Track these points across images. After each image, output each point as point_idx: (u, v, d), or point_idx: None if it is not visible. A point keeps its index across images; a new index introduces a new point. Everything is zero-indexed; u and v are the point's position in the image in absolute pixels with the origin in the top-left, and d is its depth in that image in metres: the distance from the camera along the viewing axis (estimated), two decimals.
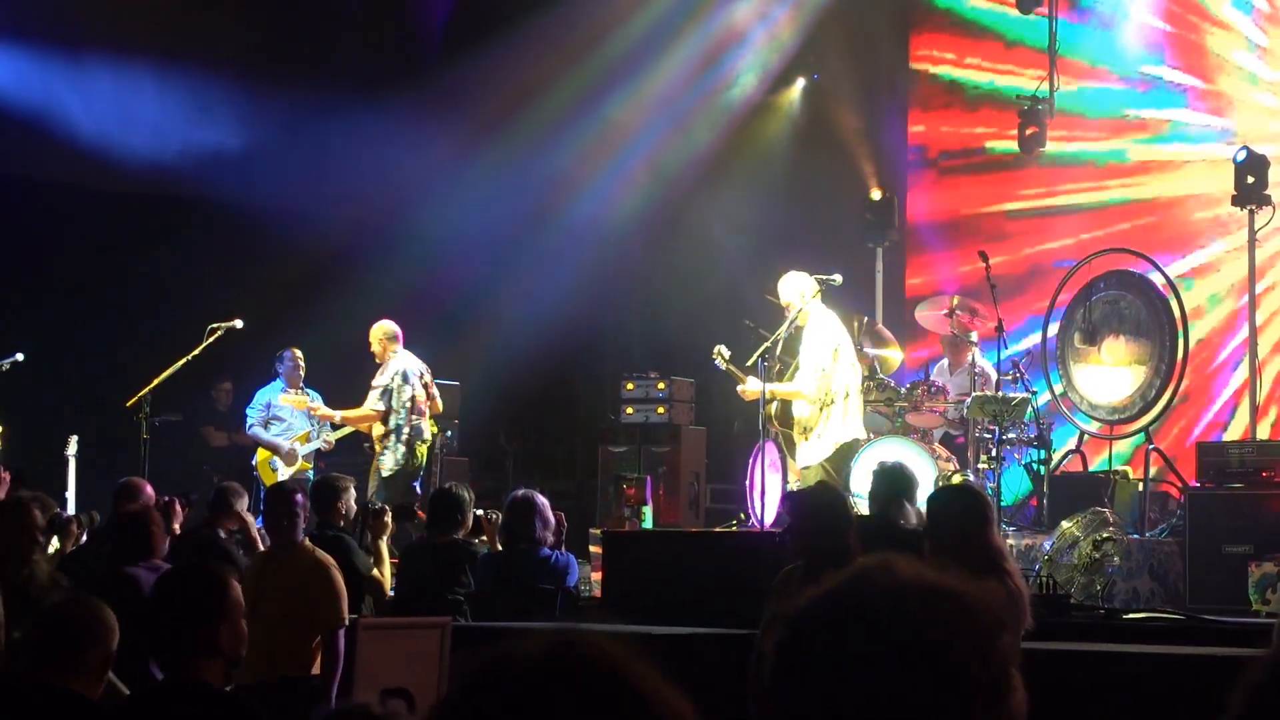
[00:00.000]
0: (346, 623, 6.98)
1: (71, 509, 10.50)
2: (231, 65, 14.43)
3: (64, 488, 11.14)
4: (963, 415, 11.59)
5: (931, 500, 6.42)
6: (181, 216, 14.60)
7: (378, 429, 12.17)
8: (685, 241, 15.35)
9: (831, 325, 11.03)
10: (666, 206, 15.88)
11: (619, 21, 14.99)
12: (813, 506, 6.66)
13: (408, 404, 12.09)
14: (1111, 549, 9.55)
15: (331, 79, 14.98)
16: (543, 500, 8.70)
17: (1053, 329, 11.36)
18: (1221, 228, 13.10)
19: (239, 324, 12.05)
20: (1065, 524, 9.80)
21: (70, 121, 13.88)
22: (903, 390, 11.89)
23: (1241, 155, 11.31)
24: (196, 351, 11.87)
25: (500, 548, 8.82)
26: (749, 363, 10.92)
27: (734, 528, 12.11)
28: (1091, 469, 11.65)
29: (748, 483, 11.35)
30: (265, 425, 12.84)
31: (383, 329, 12.30)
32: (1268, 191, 11.22)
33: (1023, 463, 11.43)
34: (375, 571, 8.70)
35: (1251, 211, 11.24)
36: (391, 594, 8.94)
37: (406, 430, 12.09)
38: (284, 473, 12.54)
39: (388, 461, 12.07)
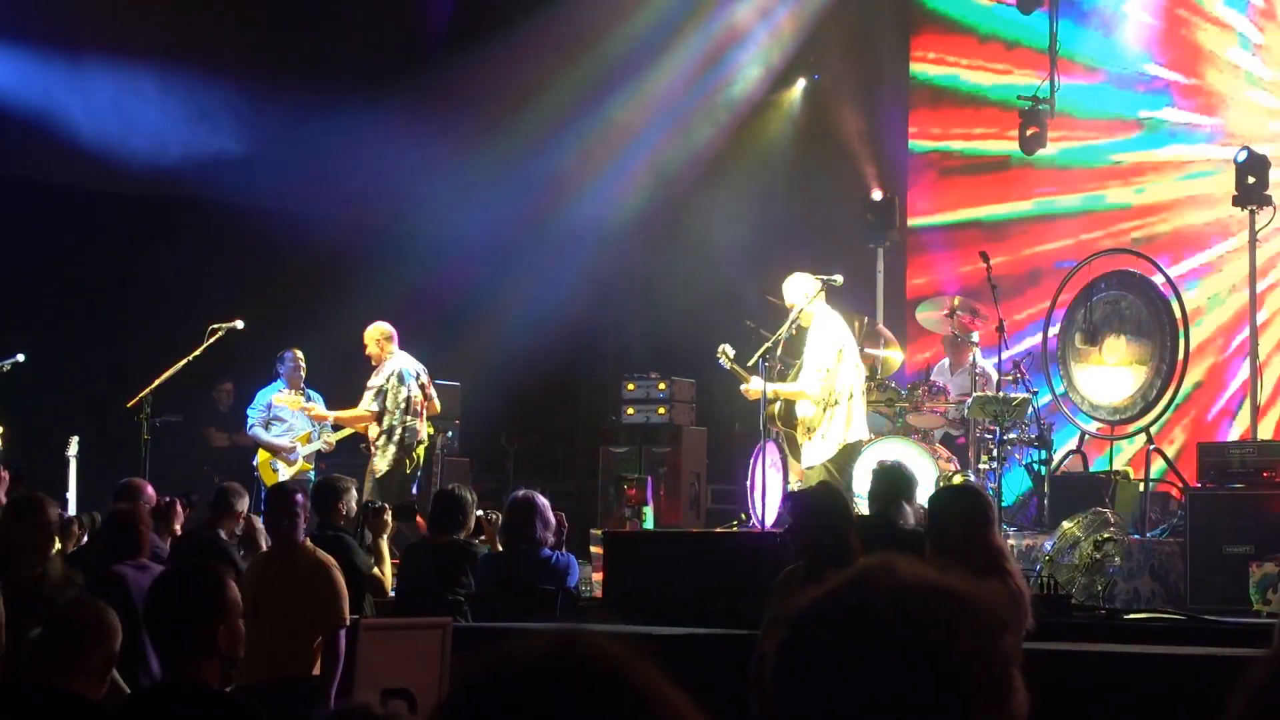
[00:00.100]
0: (347, 623, 6.98)
1: (72, 510, 10.50)
2: (232, 66, 14.43)
3: (65, 488, 11.14)
4: (963, 416, 11.59)
5: (933, 500, 6.42)
6: (182, 217, 14.60)
7: (372, 430, 12.17)
8: (686, 242, 15.35)
9: (836, 326, 11.03)
10: (667, 207, 15.88)
11: (620, 22, 15.00)
12: (814, 506, 6.66)
13: (403, 405, 12.08)
14: (1112, 549, 9.55)
15: (332, 79, 14.98)
16: (543, 501, 8.70)
17: (1053, 329, 11.36)
18: (1222, 227, 13.09)
19: (239, 324, 12.05)
20: (1066, 524, 9.80)
21: (71, 122, 13.88)
22: (903, 391, 11.90)
23: (1242, 155, 11.31)
24: (197, 352, 11.88)
25: (501, 548, 8.83)
26: (750, 363, 10.92)
27: (735, 528, 12.11)
28: (1092, 469, 11.65)
29: (749, 483, 11.35)
30: (266, 426, 12.84)
31: (378, 330, 12.30)
32: (1268, 192, 11.22)
33: (1023, 463, 11.43)
34: (376, 570, 8.70)
35: (1252, 212, 11.24)
36: (392, 594, 8.94)
37: (400, 431, 12.08)
38: (285, 473, 12.54)
39: (380, 463, 12.07)
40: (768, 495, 10.90)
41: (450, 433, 13.28)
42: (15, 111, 13.66)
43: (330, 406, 12.82)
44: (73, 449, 11.49)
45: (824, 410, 10.87)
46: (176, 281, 14.27)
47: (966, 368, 12.13)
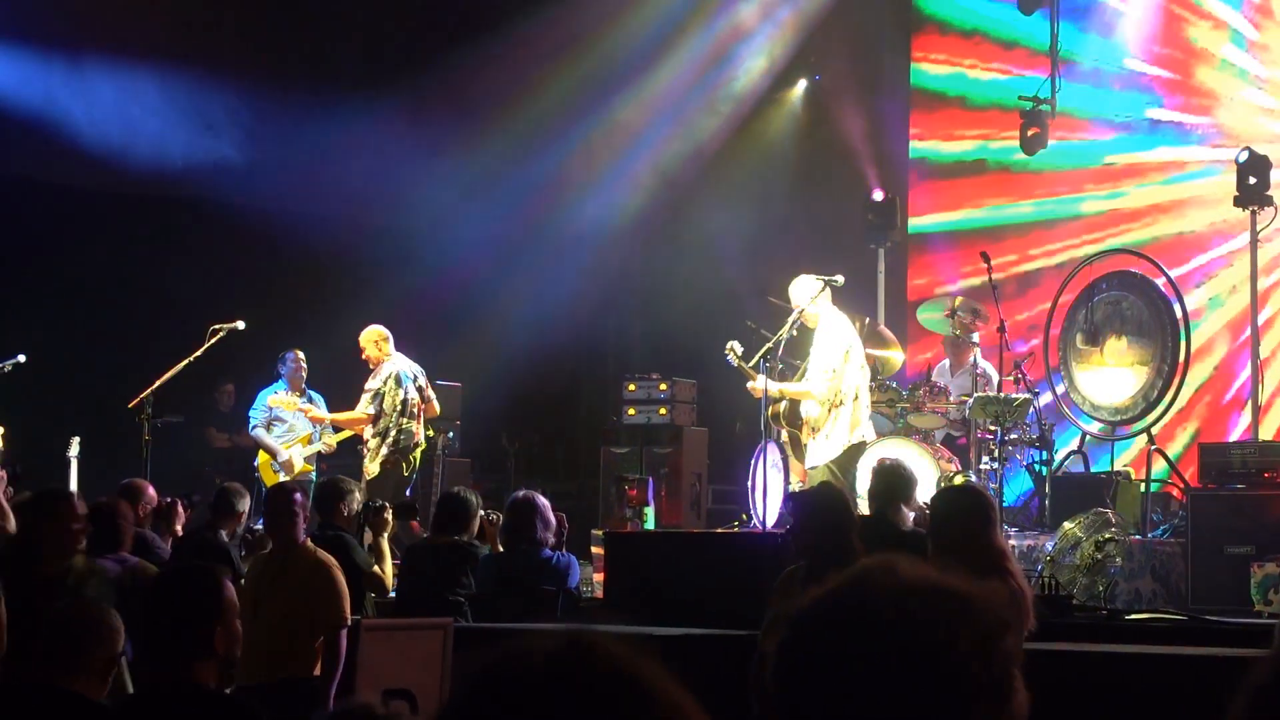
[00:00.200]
0: (348, 623, 6.97)
1: None
2: (233, 68, 14.44)
3: (66, 489, 11.13)
4: (964, 416, 11.59)
5: (935, 500, 6.43)
6: (183, 217, 14.61)
7: (366, 432, 12.17)
8: (687, 242, 15.35)
9: (842, 327, 11.03)
10: (668, 207, 15.88)
11: (621, 23, 15.00)
12: (815, 507, 6.66)
13: (399, 407, 12.09)
14: (1114, 550, 9.55)
15: (333, 81, 14.99)
16: (543, 501, 8.70)
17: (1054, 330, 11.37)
18: (1224, 228, 13.09)
19: (240, 325, 12.06)
20: (1067, 525, 9.80)
21: (72, 123, 13.90)
22: (904, 391, 11.89)
23: (1243, 156, 11.30)
24: (198, 353, 11.88)
25: (501, 549, 8.83)
26: (751, 364, 10.92)
27: (736, 529, 12.11)
28: (1093, 469, 11.64)
29: (749, 483, 11.35)
30: (268, 426, 12.84)
31: (374, 332, 12.30)
32: (1269, 192, 11.21)
33: (1025, 464, 11.43)
34: (376, 569, 8.71)
35: (1253, 212, 11.23)
36: (393, 594, 8.94)
37: (395, 434, 12.08)
38: (286, 474, 12.54)
39: (372, 465, 12.07)
40: (769, 496, 10.90)
41: (451, 433, 13.28)
42: (16, 112, 13.67)
43: (331, 408, 12.83)
44: (74, 449, 11.49)
45: (829, 411, 10.87)
46: (178, 282, 14.27)
47: (967, 368, 12.13)
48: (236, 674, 6.15)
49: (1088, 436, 11.60)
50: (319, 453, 12.86)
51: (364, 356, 12.30)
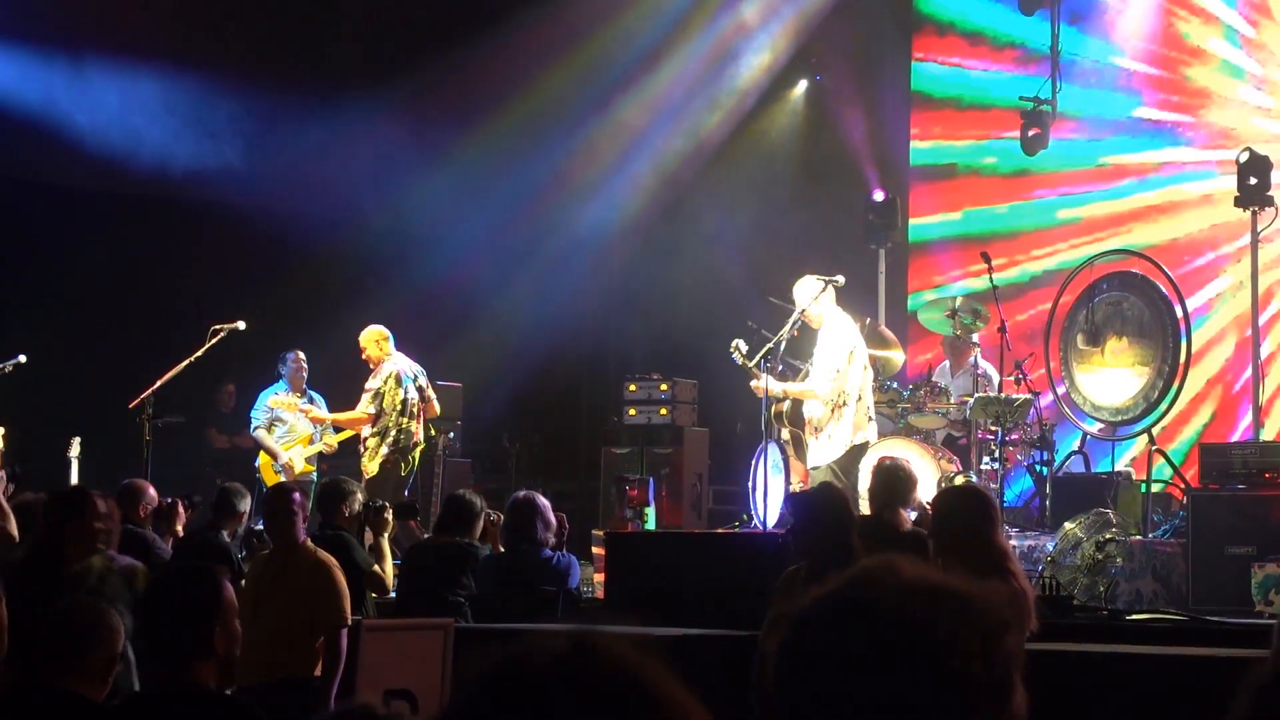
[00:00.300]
0: (349, 623, 6.97)
1: None
2: (235, 69, 14.44)
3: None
4: (965, 417, 11.59)
5: (937, 500, 6.43)
6: (184, 218, 14.61)
7: (366, 430, 12.18)
8: (688, 243, 15.35)
9: (847, 327, 11.02)
10: (669, 208, 15.89)
11: (623, 23, 15.00)
12: (815, 507, 6.66)
13: (399, 407, 12.09)
14: (1114, 550, 9.55)
15: (334, 81, 14.99)
16: (544, 501, 8.71)
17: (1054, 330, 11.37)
18: (1225, 228, 13.09)
19: (241, 325, 12.06)
20: (1068, 525, 9.80)
21: (73, 123, 13.90)
22: (905, 392, 11.89)
23: (1244, 156, 11.30)
24: (199, 353, 11.88)
25: (502, 549, 8.83)
26: (752, 364, 10.91)
27: (737, 529, 12.11)
28: (1094, 470, 11.64)
29: (750, 484, 11.34)
30: (269, 427, 12.84)
31: (375, 332, 12.31)
32: (1270, 193, 11.21)
33: (1025, 464, 11.43)
34: (376, 568, 8.71)
35: (1254, 212, 11.23)
36: (393, 595, 8.95)
37: (395, 434, 12.08)
38: (286, 475, 12.53)
39: (370, 464, 12.08)
40: (769, 496, 10.90)
41: (452, 434, 13.28)
42: (17, 112, 13.67)
43: (332, 408, 12.83)
44: (74, 450, 11.49)
45: (831, 411, 10.86)
46: (178, 283, 14.28)
47: (968, 369, 12.13)
48: (236, 674, 6.16)
49: (1088, 437, 11.60)
50: (320, 453, 12.86)
51: (364, 356, 12.30)
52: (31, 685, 4.46)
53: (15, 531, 7.50)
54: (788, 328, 10.97)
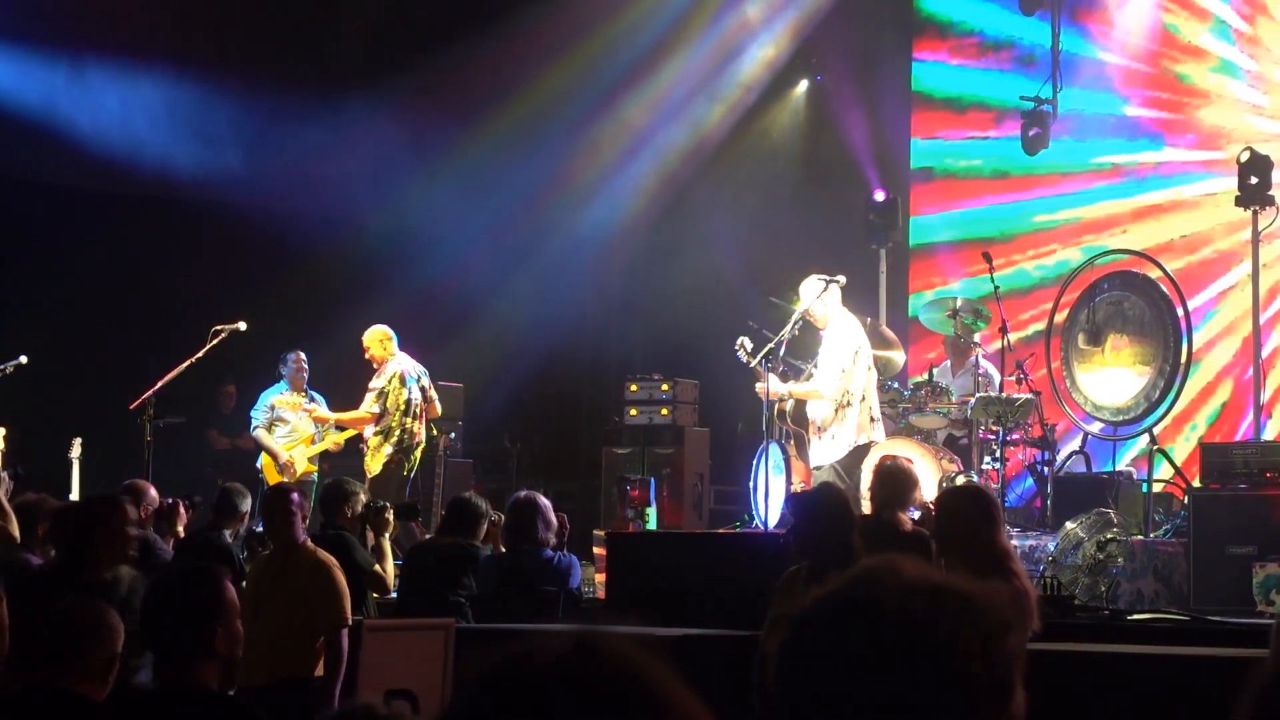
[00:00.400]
0: (349, 623, 6.97)
1: None
2: (235, 70, 14.44)
3: (68, 490, 11.14)
4: (966, 416, 11.59)
5: (940, 500, 6.43)
6: (185, 218, 14.61)
7: (368, 430, 12.18)
8: (689, 243, 15.35)
9: (852, 327, 11.02)
10: (670, 208, 15.89)
11: (624, 23, 15.00)
12: (816, 507, 6.66)
13: (403, 407, 12.10)
14: (1116, 550, 9.55)
15: (335, 82, 15.00)
16: (545, 501, 8.71)
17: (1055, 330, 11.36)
18: (1226, 229, 13.09)
19: (242, 326, 12.06)
20: (1069, 525, 9.79)
21: (74, 124, 13.90)
22: (906, 392, 11.89)
23: (1245, 156, 11.30)
24: (200, 354, 11.88)
25: (503, 549, 8.84)
26: (753, 364, 10.91)
27: (738, 529, 12.11)
28: (1095, 470, 11.64)
29: (751, 484, 11.34)
30: (270, 427, 12.84)
31: (379, 332, 12.31)
32: (1271, 192, 11.21)
33: (1027, 464, 11.42)
34: (377, 567, 8.71)
35: (1255, 212, 11.23)
36: (394, 595, 8.95)
37: (398, 433, 12.09)
38: (287, 476, 12.53)
39: (374, 464, 12.08)
40: (770, 496, 10.90)
41: (454, 434, 13.28)
42: (18, 112, 13.67)
43: (333, 408, 12.83)
44: (76, 450, 11.49)
45: (836, 411, 10.85)
46: (179, 283, 14.27)
47: (969, 368, 12.13)
48: (237, 674, 6.16)
49: (1089, 437, 11.60)
50: (324, 452, 12.85)
51: (368, 355, 12.30)
52: (31, 685, 4.45)
53: (16, 532, 7.50)
54: (789, 327, 10.97)
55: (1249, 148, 11.38)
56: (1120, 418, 10.97)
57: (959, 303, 12.30)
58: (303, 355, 12.92)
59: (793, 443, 11.37)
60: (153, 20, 14.15)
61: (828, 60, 15.74)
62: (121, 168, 14.00)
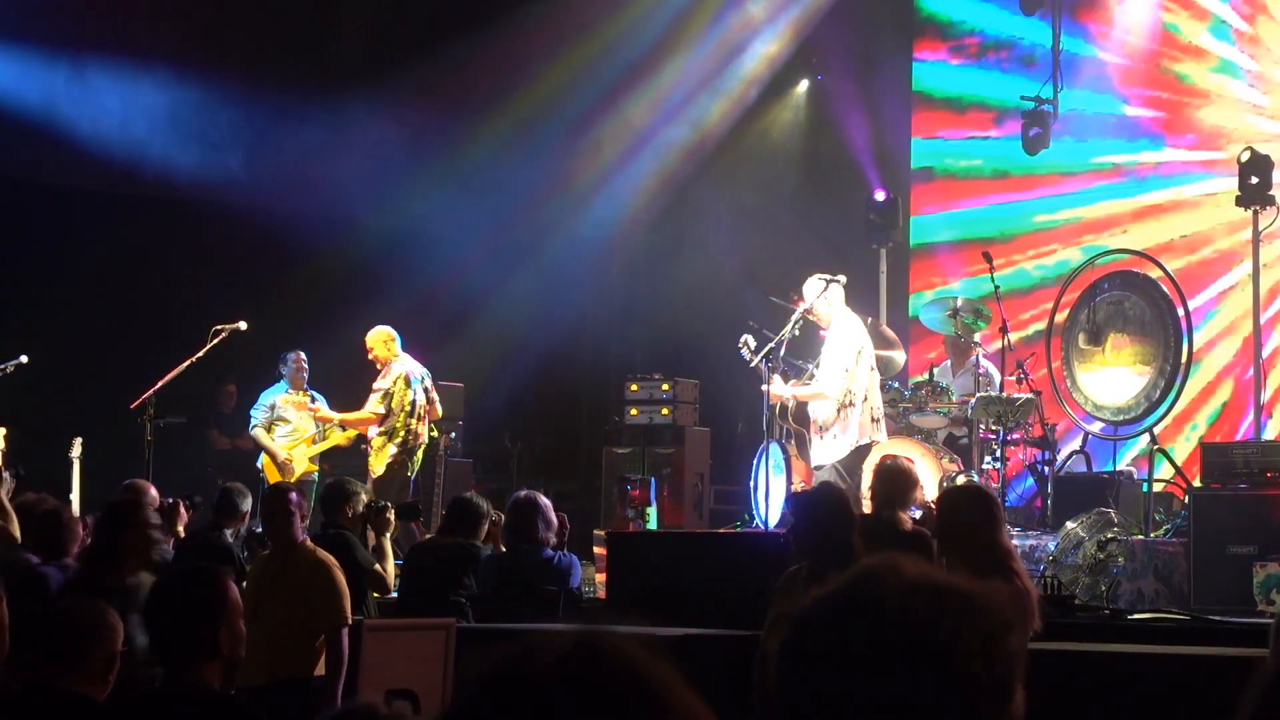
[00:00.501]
0: (349, 622, 6.96)
1: (76, 511, 10.50)
2: (236, 70, 14.44)
3: (68, 490, 11.14)
4: (967, 416, 11.59)
5: (941, 500, 6.43)
6: (186, 218, 14.61)
7: (372, 430, 12.18)
8: (689, 243, 15.35)
9: (856, 327, 11.01)
10: (670, 208, 15.89)
11: (625, 23, 15.00)
12: (816, 507, 6.66)
13: (408, 408, 12.10)
14: (1116, 550, 9.55)
15: (336, 82, 15.00)
16: (545, 501, 8.71)
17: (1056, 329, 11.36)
18: (1226, 227, 13.09)
19: (243, 326, 12.05)
20: (1070, 524, 9.79)
21: (75, 124, 13.90)
22: (907, 391, 11.89)
23: (1245, 155, 11.30)
24: (200, 353, 11.88)
25: (503, 549, 8.84)
26: (753, 364, 10.91)
27: (738, 529, 12.11)
28: (1096, 469, 11.64)
29: (752, 484, 11.34)
30: (270, 426, 12.84)
31: (383, 333, 12.31)
32: (1272, 192, 11.21)
33: (1027, 464, 11.42)
34: (377, 566, 8.71)
35: (1256, 211, 11.23)
36: (395, 594, 8.95)
37: (403, 434, 12.09)
38: (286, 476, 12.52)
39: (377, 464, 12.08)
40: (771, 496, 10.90)
41: (454, 434, 13.28)
42: (19, 112, 13.67)
43: (334, 408, 12.82)
44: (76, 450, 11.49)
45: (838, 411, 10.84)
46: (180, 283, 14.28)
47: (969, 368, 12.13)
48: (237, 675, 6.15)
49: (1089, 436, 11.60)
50: (324, 452, 12.85)
51: (372, 356, 12.29)
52: (31, 685, 4.45)
53: (17, 532, 7.50)
54: (789, 327, 10.97)
55: (1249, 148, 11.39)
56: (1121, 417, 10.97)
57: (959, 302, 12.30)
58: (303, 355, 12.91)
59: (793, 442, 11.37)
60: (153, 21, 14.14)
61: (828, 60, 15.74)
62: (122, 168, 14.00)
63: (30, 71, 13.80)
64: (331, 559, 7.16)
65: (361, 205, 15.27)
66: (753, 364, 10.89)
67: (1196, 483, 10.29)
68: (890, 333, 12.64)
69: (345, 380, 13.02)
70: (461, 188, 15.10)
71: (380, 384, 12.20)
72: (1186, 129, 13.70)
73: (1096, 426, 11.33)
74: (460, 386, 13.77)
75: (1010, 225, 14.49)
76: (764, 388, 10.97)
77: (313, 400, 12.82)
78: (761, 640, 6.15)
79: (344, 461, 12.77)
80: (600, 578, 10.54)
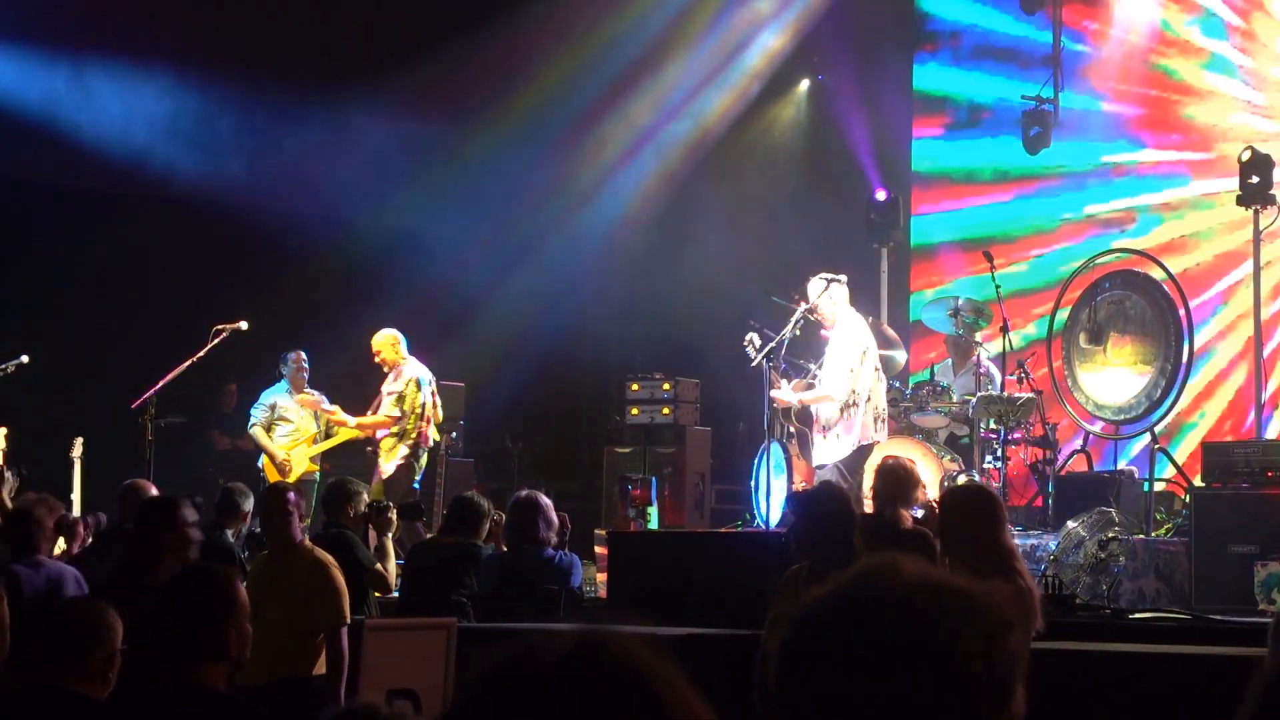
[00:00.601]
0: (348, 621, 6.96)
1: (76, 511, 10.51)
2: (236, 70, 14.44)
3: (69, 490, 11.14)
4: (968, 416, 11.59)
5: (944, 500, 6.43)
6: (186, 218, 14.60)
7: (382, 432, 12.18)
8: (690, 242, 15.35)
9: (860, 328, 11.01)
10: (671, 207, 15.89)
11: (626, 22, 15.00)
12: (817, 506, 6.66)
13: (418, 410, 12.13)
14: (1117, 549, 9.55)
15: (336, 82, 14.99)
16: (546, 501, 8.72)
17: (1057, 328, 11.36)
18: (1227, 227, 13.09)
19: (244, 325, 12.05)
20: (1071, 524, 9.80)
21: (75, 124, 13.90)
22: (908, 391, 11.89)
23: (1246, 155, 11.30)
24: (201, 353, 11.87)
25: (504, 548, 8.84)
26: (753, 364, 10.90)
27: (739, 528, 12.11)
28: (1097, 469, 11.64)
29: (753, 483, 11.34)
30: (270, 426, 12.82)
31: (389, 336, 12.29)
32: (1272, 191, 11.21)
33: (1029, 463, 11.42)
34: (378, 566, 8.71)
35: (1257, 211, 11.23)
36: (396, 594, 8.95)
37: (414, 436, 12.11)
38: (285, 475, 12.51)
39: (387, 465, 12.08)
40: (772, 495, 10.90)
41: (455, 434, 13.28)
42: (19, 112, 13.67)
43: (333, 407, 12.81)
44: (77, 450, 11.48)
45: (842, 411, 10.84)
46: (180, 283, 14.28)
47: (970, 368, 12.13)
48: (237, 675, 6.15)
49: (1090, 436, 11.60)
50: (325, 452, 12.83)
51: (379, 359, 12.28)
52: (31, 685, 4.45)
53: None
54: (790, 326, 10.96)
55: (1250, 147, 11.39)
56: (1122, 417, 10.97)
57: (960, 302, 12.30)
58: (303, 354, 12.90)
59: (794, 442, 11.37)
60: (153, 22, 14.14)
61: (829, 60, 15.74)
62: (122, 168, 14.00)
63: (31, 72, 13.81)
64: (329, 558, 7.15)
65: (362, 205, 15.27)
66: (753, 363, 10.89)
67: (1198, 482, 10.29)
68: (891, 332, 12.64)
69: (346, 380, 13.02)
70: (461, 188, 15.10)
71: (394, 387, 12.20)
72: (1188, 128, 13.69)
73: (1098, 426, 11.33)
74: (461, 386, 13.77)
75: (1010, 225, 14.49)
76: (772, 393, 10.97)
77: (328, 403, 12.75)
78: (762, 640, 6.15)
79: (345, 461, 12.76)
80: (601, 577, 10.54)
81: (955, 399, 11.78)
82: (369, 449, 12.42)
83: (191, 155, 14.36)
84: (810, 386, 11.18)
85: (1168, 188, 13.74)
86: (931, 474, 10.70)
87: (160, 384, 11.60)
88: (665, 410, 13.34)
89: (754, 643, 6.29)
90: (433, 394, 12.33)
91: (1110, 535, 9.60)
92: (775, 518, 10.83)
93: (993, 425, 11.19)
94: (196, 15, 14.51)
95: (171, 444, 12.20)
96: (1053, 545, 9.79)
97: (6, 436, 10.94)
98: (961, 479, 10.76)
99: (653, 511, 12.33)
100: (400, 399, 12.14)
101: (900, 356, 12.49)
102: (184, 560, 6.24)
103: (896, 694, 1.62)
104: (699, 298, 14.71)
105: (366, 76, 15.03)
